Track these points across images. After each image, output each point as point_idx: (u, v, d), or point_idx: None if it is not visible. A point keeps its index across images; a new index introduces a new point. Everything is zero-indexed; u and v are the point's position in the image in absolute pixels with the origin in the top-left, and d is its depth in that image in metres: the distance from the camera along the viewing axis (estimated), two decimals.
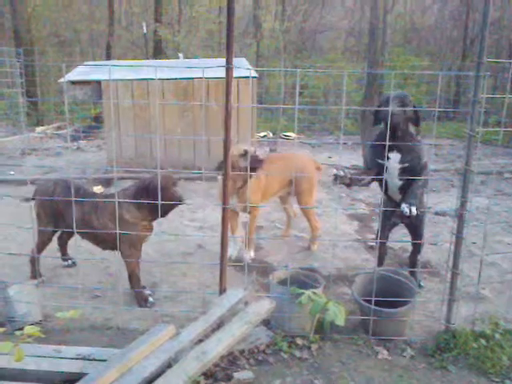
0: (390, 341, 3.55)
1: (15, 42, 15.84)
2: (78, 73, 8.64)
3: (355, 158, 9.51)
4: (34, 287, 3.87)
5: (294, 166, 5.09)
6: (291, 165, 5.11)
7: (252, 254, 5.10)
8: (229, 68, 3.26)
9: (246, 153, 4.52)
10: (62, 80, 8.24)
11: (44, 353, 3.04)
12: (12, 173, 8.63)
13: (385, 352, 3.44)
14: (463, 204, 3.36)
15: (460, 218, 3.40)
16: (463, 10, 18.02)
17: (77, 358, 3.01)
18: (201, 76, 7.96)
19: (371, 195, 7.58)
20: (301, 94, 14.93)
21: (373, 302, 3.47)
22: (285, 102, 13.77)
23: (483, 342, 3.39)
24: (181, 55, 12.24)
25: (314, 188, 5.28)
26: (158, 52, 17.09)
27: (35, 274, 4.39)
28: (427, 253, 5.16)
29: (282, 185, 5.17)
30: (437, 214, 6.62)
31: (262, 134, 12.50)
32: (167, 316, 3.86)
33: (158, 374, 2.76)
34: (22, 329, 2.49)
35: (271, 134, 12.48)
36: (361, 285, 3.85)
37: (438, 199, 7.28)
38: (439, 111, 3.39)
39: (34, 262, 4.35)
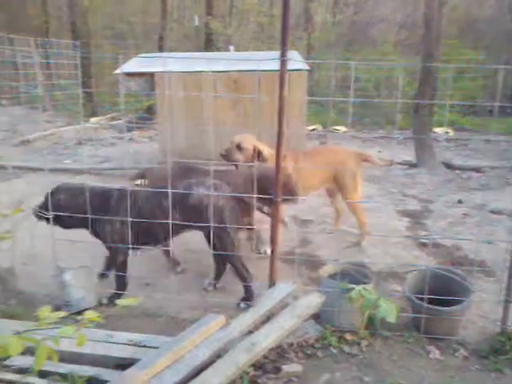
0: (441, 340, 3.46)
1: (72, 34, 16.33)
2: (133, 65, 8.80)
3: (407, 153, 9.32)
4: (89, 273, 3.98)
5: (334, 160, 4.98)
6: (330, 159, 5.01)
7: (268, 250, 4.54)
8: (283, 60, 3.25)
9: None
10: (117, 71, 8.43)
11: (98, 337, 3.13)
12: (68, 161, 8.89)
13: (437, 352, 3.36)
14: None
15: None
16: None
17: (128, 344, 3.09)
18: (252, 68, 7.99)
19: (423, 191, 7.42)
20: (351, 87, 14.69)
21: (425, 300, 3.41)
22: (334, 95, 13.61)
23: None
24: (231, 48, 12.30)
25: (358, 183, 5.12)
26: (209, 45, 17.22)
27: (173, 263, 4.64)
28: (482, 252, 5.01)
29: (320, 180, 5.07)
30: (492, 212, 6.41)
31: (312, 127, 12.43)
32: (217, 306, 3.89)
33: (209, 364, 2.79)
34: (77, 313, 2.55)
35: (321, 128, 12.39)
36: (413, 282, 3.78)
37: (493, 197, 7.05)
38: (495, 106, 3.27)
39: (167, 252, 4.55)
